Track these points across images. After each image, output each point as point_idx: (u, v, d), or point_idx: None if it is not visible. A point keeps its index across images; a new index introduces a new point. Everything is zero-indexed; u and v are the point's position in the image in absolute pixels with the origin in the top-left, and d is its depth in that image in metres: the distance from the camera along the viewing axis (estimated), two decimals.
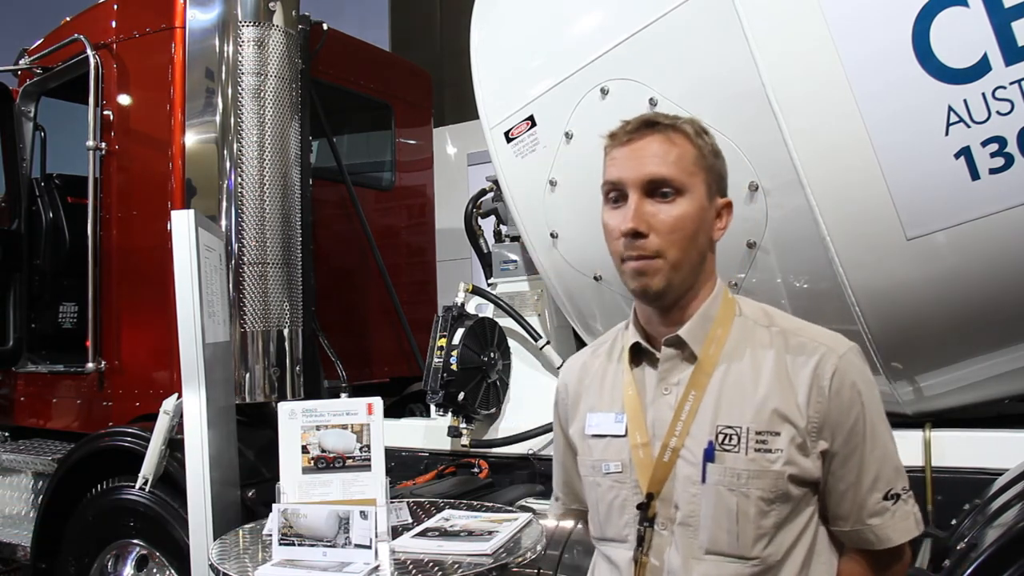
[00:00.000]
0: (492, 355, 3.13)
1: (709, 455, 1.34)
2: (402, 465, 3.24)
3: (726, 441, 1.34)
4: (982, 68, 2.04)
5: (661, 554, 1.38)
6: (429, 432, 3.29)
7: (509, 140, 2.89)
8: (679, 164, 1.38)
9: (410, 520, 2.27)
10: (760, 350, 1.39)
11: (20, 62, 4.22)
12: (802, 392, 1.34)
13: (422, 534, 2.08)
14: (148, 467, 2.98)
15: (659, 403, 1.42)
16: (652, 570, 1.38)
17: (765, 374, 1.37)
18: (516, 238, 3.24)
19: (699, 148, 1.41)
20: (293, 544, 1.93)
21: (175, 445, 2.96)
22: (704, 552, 1.35)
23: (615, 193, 1.41)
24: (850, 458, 1.35)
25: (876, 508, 1.36)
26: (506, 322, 3.21)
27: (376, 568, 1.87)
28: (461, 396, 2.98)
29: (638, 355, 1.47)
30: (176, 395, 2.83)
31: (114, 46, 3.79)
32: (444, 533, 2.07)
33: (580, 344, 3.26)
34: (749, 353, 1.40)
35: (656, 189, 1.36)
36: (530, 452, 3.03)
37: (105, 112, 3.77)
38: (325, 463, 2.17)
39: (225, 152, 3.23)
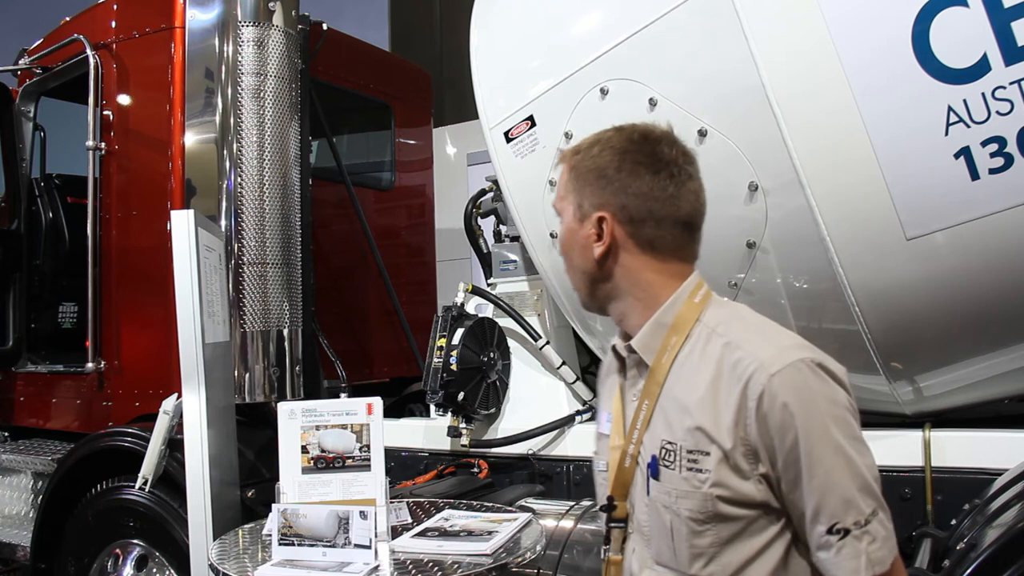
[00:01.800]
0: (492, 355, 3.13)
1: (653, 470, 1.34)
2: (402, 465, 3.24)
3: (666, 456, 1.32)
4: (982, 68, 2.04)
5: (628, 555, 1.42)
6: (429, 432, 3.29)
7: (509, 140, 2.89)
8: (559, 191, 1.46)
9: (410, 520, 2.27)
10: (705, 363, 1.32)
11: (20, 62, 4.22)
12: (728, 414, 1.26)
13: (422, 534, 2.08)
14: (148, 467, 2.98)
15: (629, 408, 1.43)
16: (619, 570, 1.42)
17: (700, 390, 1.30)
18: (516, 238, 3.24)
19: (573, 168, 1.45)
20: (293, 544, 1.93)
21: (175, 445, 2.96)
22: (655, 562, 1.36)
23: None
24: (795, 486, 1.24)
25: (820, 542, 1.24)
26: (506, 322, 3.21)
27: (376, 568, 1.87)
28: (461, 396, 2.98)
29: (620, 358, 1.49)
30: (176, 395, 2.83)
31: (114, 46, 3.79)
32: (444, 533, 2.08)
33: (580, 344, 3.26)
34: (696, 365, 1.33)
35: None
36: (530, 452, 3.03)
37: (105, 112, 3.77)
38: (325, 463, 2.17)
39: (225, 152, 3.23)
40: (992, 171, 2.09)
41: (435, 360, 2.99)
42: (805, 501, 1.24)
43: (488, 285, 3.40)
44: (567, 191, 1.44)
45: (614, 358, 1.50)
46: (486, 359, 3.09)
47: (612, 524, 1.42)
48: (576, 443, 2.99)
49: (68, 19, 4.09)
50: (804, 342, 1.32)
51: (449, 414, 3.11)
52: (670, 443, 1.32)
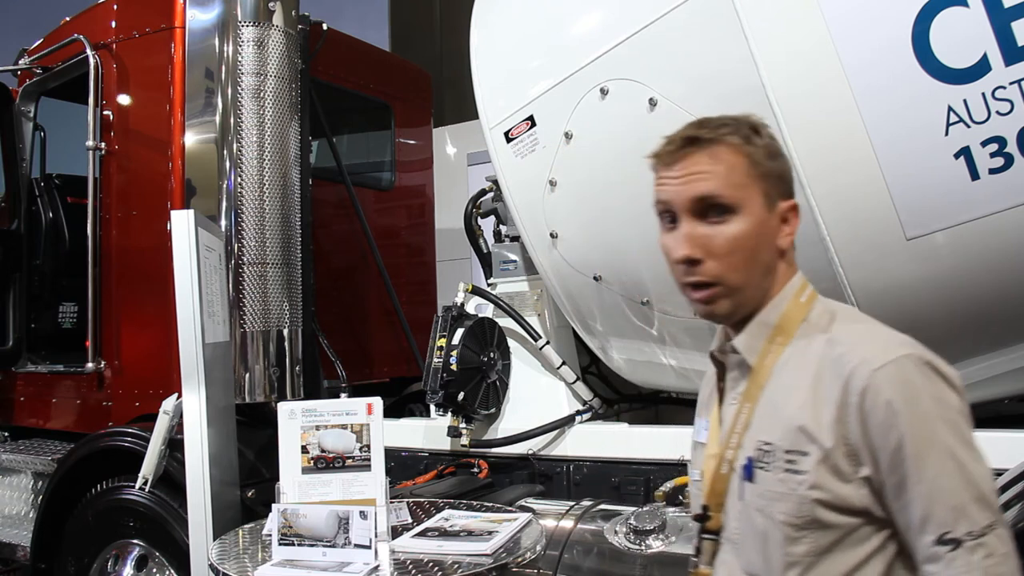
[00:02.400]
0: (492, 355, 3.13)
1: (748, 473, 1.27)
2: (402, 465, 3.24)
3: (763, 458, 1.25)
4: (982, 68, 2.04)
5: (717, 567, 1.34)
6: (429, 432, 3.29)
7: (509, 140, 2.89)
8: (728, 180, 1.26)
9: (410, 520, 2.27)
10: (808, 361, 1.26)
11: (20, 62, 4.22)
12: (829, 411, 1.19)
13: (422, 534, 2.08)
14: (148, 467, 2.98)
15: (728, 413, 1.36)
16: None
17: (802, 388, 1.24)
18: (516, 238, 3.24)
19: (749, 156, 1.28)
20: (293, 544, 1.93)
21: (175, 445, 2.96)
22: (745, 573, 1.28)
23: (668, 215, 1.31)
24: (901, 491, 1.16)
25: (928, 553, 1.14)
26: (506, 322, 3.21)
27: (376, 568, 1.87)
28: (461, 396, 2.98)
29: (719, 363, 1.42)
30: (176, 395, 2.83)
31: (114, 46, 3.79)
32: (444, 533, 2.08)
33: (580, 344, 3.26)
34: (798, 363, 1.28)
35: (707, 210, 1.26)
36: (530, 452, 3.03)
37: (105, 112, 3.77)
38: (325, 463, 2.17)
39: (225, 152, 3.23)
40: (992, 171, 2.09)
41: (435, 360, 2.99)
42: (911, 508, 1.15)
43: (488, 285, 3.40)
44: (749, 178, 1.27)
45: (712, 364, 1.43)
46: (486, 359, 3.09)
47: (704, 536, 1.34)
48: (576, 443, 2.99)
49: (68, 19, 4.09)
50: (914, 341, 1.24)
51: (449, 414, 3.11)
52: (767, 444, 1.25)
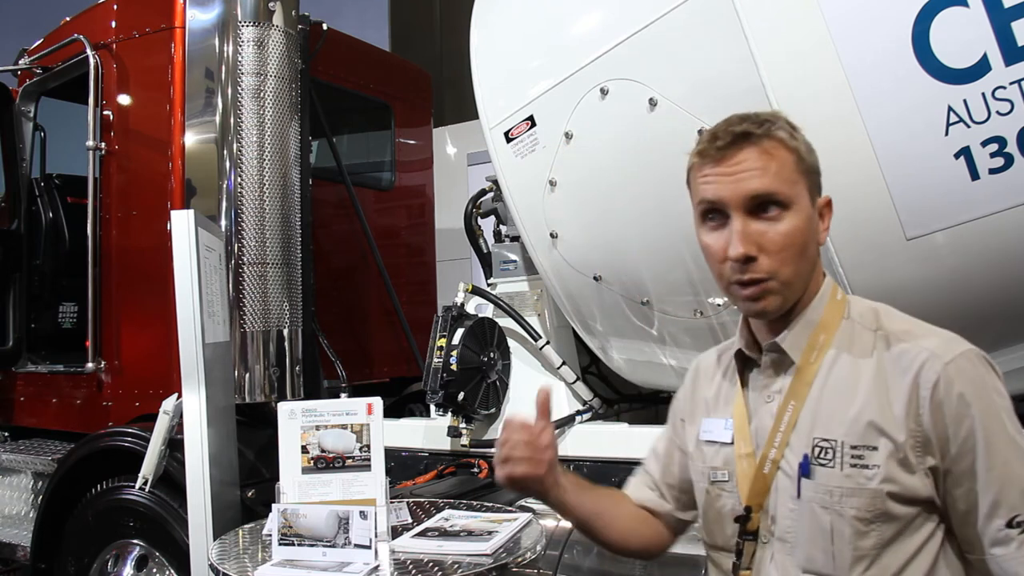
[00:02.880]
0: (492, 355, 3.13)
1: (804, 470, 1.26)
2: (402, 465, 3.24)
3: (821, 455, 1.25)
4: (982, 68, 2.04)
5: (760, 568, 1.32)
6: (429, 432, 3.29)
7: (509, 140, 2.89)
8: (781, 175, 1.26)
9: (410, 520, 2.27)
10: (862, 356, 1.28)
11: (20, 62, 4.22)
12: (900, 404, 1.21)
13: (422, 534, 2.08)
14: (148, 467, 2.98)
15: (761, 412, 1.35)
16: None
17: (863, 383, 1.25)
18: (516, 238, 3.24)
19: (796, 151, 1.29)
20: (293, 544, 1.93)
21: (175, 445, 2.96)
22: (802, 571, 1.27)
23: (713, 213, 1.29)
24: (964, 478, 1.20)
25: (998, 537, 1.19)
26: (506, 322, 3.21)
27: (376, 568, 1.87)
28: (461, 396, 2.98)
29: (746, 361, 1.41)
30: (176, 395, 2.82)
31: (114, 46, 3.79)
32: (444, 533, 2.07)
33: (580, 344, 3.26)
34: (851, 360, 1.29)
35: (760, 206, 1.25)
36: None
37: (105, 112, 3.77)
38: (325, 463, 2.17)
39: (225, 152, 3.23)
40: (992, 171, 2.09)
41: (435, 360, 2.99)
42: (980, 494, 1.19)
43: (488, 285, 3.40)
44: (798, 174, 1.28)
45: (734, 362, 1.41)
46: (486, 359, 3.09)
47: (746, 537, 1.32)
48: (576, 443, 2.99)
49: (68, 19, 4.09)
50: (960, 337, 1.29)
51: (449, 414, 3.11)
52: (826, 440, 1.25)
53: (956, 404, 1.20)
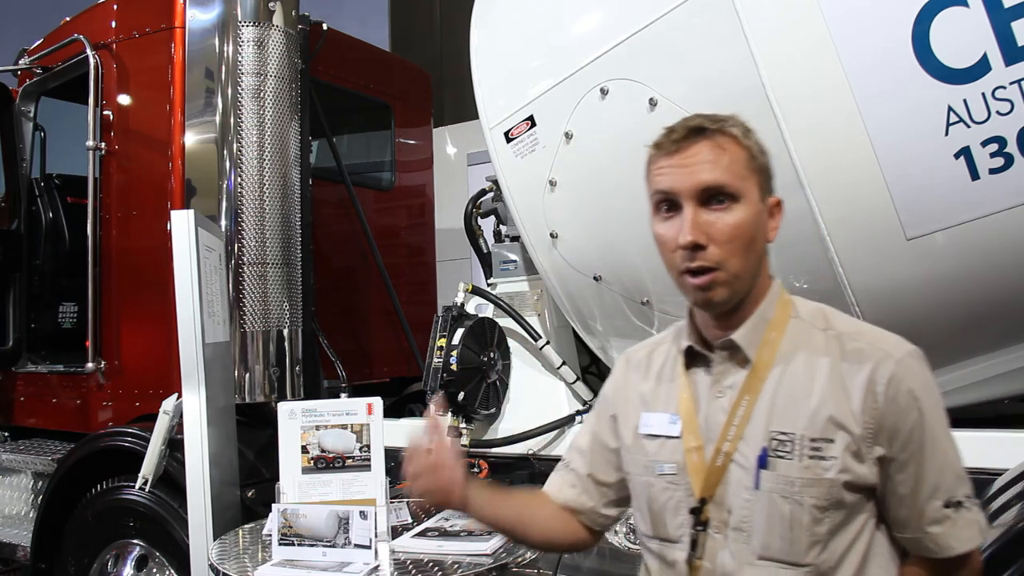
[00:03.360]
0: (492, 355, 3.13)
1: (762, 462, 1.32)
2: (402, 465, 3.23)
3: (780, 448, 1.31)
4: (982, 68, 2.04)
5: (714, 557, 1.36)
6: None
7: (509, 140, 2.89)
8: (731, 169, 1.33)
9: (410, 520, 2.27)
10: (815, 354, 1.35)
11: (20, 62, 4.22)
12: (856, 398, 1.30)
13: (422, 534, 2.08)
14: (148, 467, 2.98)
15: (712, 406, 1.39)
16: (706, 573, 1.36)
17: (820, 379, 1.33)
18: (516, 238, 3.24)
19: (748, 149, 1.36)
20: (293, 544, 1.93)
21: (175, 445, 2.96)
22: (757, 558, 1.32)
23: (667, 204, 1.36)
24: (907, 465, 1.31)
25: (936, 516, 1.32)
26: (506, 322, 3.21)
27: (376, 568, 1.87)
28: (461, 396, 2.98)
29: (692, 357, 1.45)
30: (176, 395, 2.83)
31: (114, 46, 3.79)
32: (444, 533, 2.08)
33: (580, 344, 3.26)
34: (804, 357, 1.36)
35: (711, 198, 1.32)
36: (530, 452, 3.03)
37: (105, 112, 3.77)
38: (325, 463, 2.17)
39: (225, 152, 3.23)
40: (992, 171, 2.09)
41: (435, 360, 2.99)
42: (922, 479, 1.31)
43: (488, 285, 3.40)
44: (748, 171, 1.34)
45: (681, 357, 1.45)
46: (486, 359, 3.09)
47: (698, 527, 1.37)
48: None
49: (68, 19, 4.09)
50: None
51: (449, 414, 3.11)
52: (783, 433, 1.31)
53: (906, 399, 1.30)
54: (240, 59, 3.24)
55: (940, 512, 1.31)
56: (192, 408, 2.56)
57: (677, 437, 1.41)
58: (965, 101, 2.07)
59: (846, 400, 1.30)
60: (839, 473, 1.28)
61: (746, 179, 1.34)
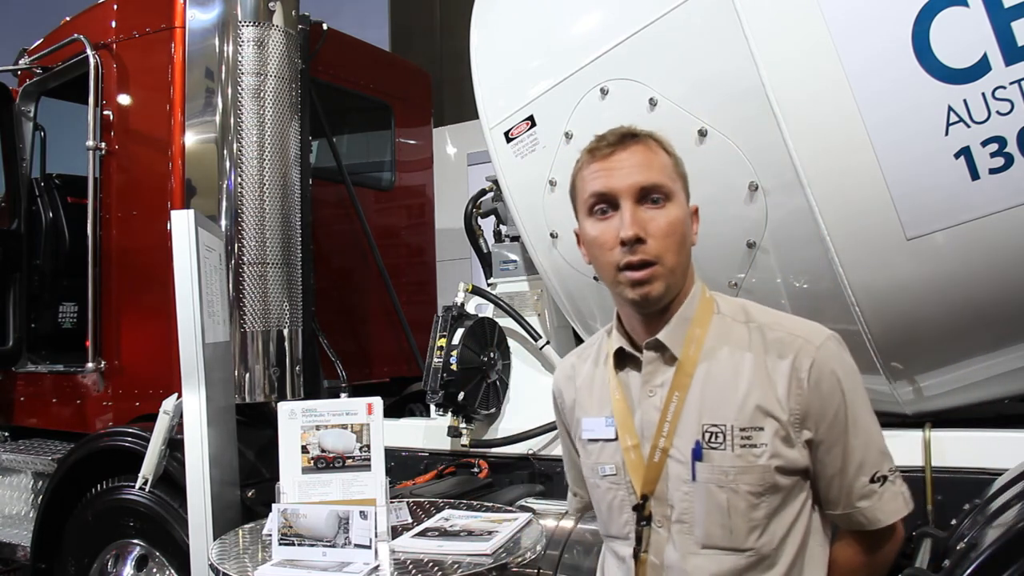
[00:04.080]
0: (492, 355, 3.13)
1: (697, 454, 1.38)
2: (402, 465, 3.24)
3: (712, 439, 1.38)
4: (982, 68, 2.04)
5: (660, 551, 1.41)
6: (429, 432, 3.29)
7: (509, 140, 2.89)
8: (664, 171, 1.42)
9: (410, 520, 2.27)
10: (739, 347, 1.42)
11: (20, 62, 4.22)
12: (781, 386, 1.37)
13: (422, 534, 2.08)
14: (148, 467, 2.98)
15: (645, 405, 1.45)
16: (652, 566, 1.42)
17: (745, 371, 1.39)
18: (516, 238, 3.24)
19: (673, 156, 1.47)
20: (293, 544, 1.93)
21: (175, 445, 2.96)
22: (700, 547, 1.38)
23: (603, 205, 1.43)
24: (834, 445, 1.38)
25: (864, 491, 1.40)
26: (506, 322, 3.21)
27: (376, 568, 1.87)
28: (461, 396, 2.98)
29: (622, 360, 1.51)
30: (176, 395, 2.82)
31: (114, 46, 3.79)
32: (444, 533, 2.07)
33: (580, 344, 3.26)
34: (728, 351, 1.42)
35: (647, 196, 1.40)
36: (530, 452, 3.03)
37: (105, 112, 3.77)
38: (325, 463, 2.17)
39: (225, 152, 3.23)
40: (992, 171, 2.09)
41: (435, 360, 2.99)
42: (849, 457, 1.39)
43: (488, 285, 3.40)
44: (676, 175, 1.45)
45: (610, 360, 1.52)
46: (486, 359, 3.09)
47: (642, 523, 1.43)
48: None
49: (68, 19, 4.09)
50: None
51: (449, 414, 3.11)
52: (715, 425, 1.37)
53: (828, 382, 1.37)
54: (240, 59, 3.24)
55: (867, 487, 1.40)
56: (192, 408, 2.56)
57: (614, 439, 1.48)
58: (965, 101, 2.07)
59: (771, 388, 1.37)
60: (770, 459, 1.35)
61: (675, 182, 1.44)
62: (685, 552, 1.39)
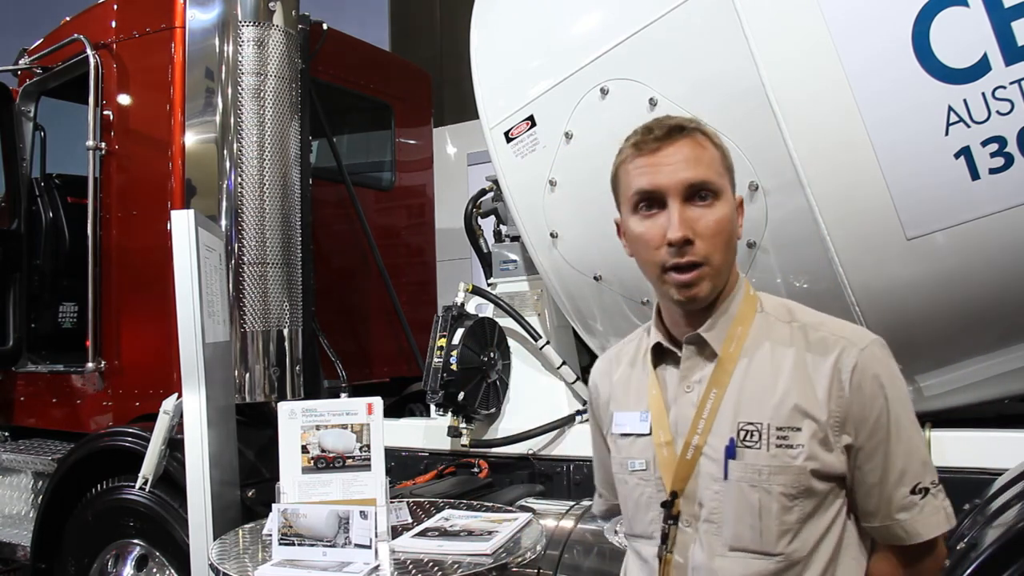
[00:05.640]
0: (492, 355, 3.13)
1: (731, 452, 1.33)
2: (402, 465, 3.24)
3: (747, 438, 1.33)
4: (982, 68, 2.04)
5: (685, 551, 1.37)
6: (429, 432, 3.29)
7: (509, 140, 2.89)
8: (712, 167, 1.36)
9: (410, 520, 2.27)
10: (780, 346, 1.38)
11: (20, 62, 4.22)
12: (822, 387, 1.32)
13: (422, 534, 2.08)
14: (148, 467, 2.98)
15: (681, 401, 1.41)
16: (677, 567, 1.37)
17: (785, 370, 1.35)
18: (516, 238, 3.24)
19: (721, 149, 1.40)
20: (293, 544, 1.93)
21: (175, 445, 2.96)
22: (728, 549, 1.33)
23: (648, 202, 1.37)
24: (875, 453, 1.33)
25: (904, 503, 1.33)
26: (506, 322, 3.21)
27: (376, 568, 1.87)
28: (461, 396, 2.98)
29: (660, 355, 1.47)
30: (176, 395, 2.83)
31: (114, 46, 3.79)
32: (444, 533, 2.07)
33: (580, 344, 3.26)
34: (769, 349, 1.38)
35: (695, 194, 1.34)
36: (530, 452, 3.03)
37: (105, 112, 3.77)
38: (325, 463, 2.17)
39: (225, 152, 3.23)
40: (992, 171, 2.09)
41: (435, 360, 2.99)
42: (889, 466, 1.32)
43: (488, 285, 3.40)
44: (724, 168, 1.39)
45: (649, 355, 1.47)
46: (486, 359, 3.09)
47: (670, 521, 1.38)
48: (576, 443, 2.99)
49: (68, 19, 4.09)
50: None
51: (449, 414, 3.11)
52: (751, 424, 1.33)
53: (871, 385, 1.32)
54: (240, 59, 3.24)
55: (908, 499, 1.33)
56: (192, 408, 2.56)
57: (647, 434, 1.44)
58: (965, 101, 2.07)
59: (811, 389, 1.32)
60: (806, 460, 1.30)
61: (723, 176, 1.38)
62: (712, 553, 1.34)
